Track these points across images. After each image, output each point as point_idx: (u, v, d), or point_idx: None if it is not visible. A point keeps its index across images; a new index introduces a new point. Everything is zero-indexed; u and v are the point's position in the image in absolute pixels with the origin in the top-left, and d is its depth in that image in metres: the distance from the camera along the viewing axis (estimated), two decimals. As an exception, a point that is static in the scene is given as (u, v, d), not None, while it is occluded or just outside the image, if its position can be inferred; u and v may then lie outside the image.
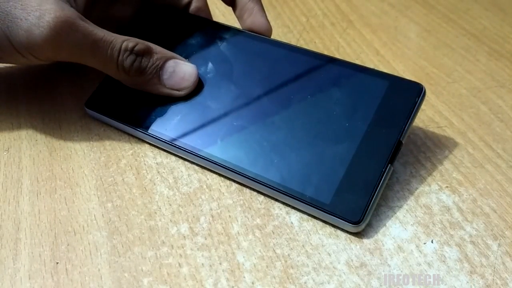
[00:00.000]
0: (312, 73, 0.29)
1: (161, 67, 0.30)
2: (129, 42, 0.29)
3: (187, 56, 0.31)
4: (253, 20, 0.32)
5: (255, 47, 0.31)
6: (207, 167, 0.28)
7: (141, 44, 0.29)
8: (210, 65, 0.31)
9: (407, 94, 0.27)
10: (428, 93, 0.33)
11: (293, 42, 0.38)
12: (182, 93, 0.30)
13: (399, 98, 0.27)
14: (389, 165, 0.25)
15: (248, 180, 0.27)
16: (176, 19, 0.34)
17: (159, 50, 0.30)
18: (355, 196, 0.25)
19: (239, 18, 0.33)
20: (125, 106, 0.31)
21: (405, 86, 0.27)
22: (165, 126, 0.29)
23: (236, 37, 0.32)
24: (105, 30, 0.29)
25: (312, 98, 0.28)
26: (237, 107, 0.29)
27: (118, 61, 0.29)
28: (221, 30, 0.33)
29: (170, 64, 0.30)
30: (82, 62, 0.30)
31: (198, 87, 0.30)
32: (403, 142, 0.26)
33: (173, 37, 0.33)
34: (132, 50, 0.29)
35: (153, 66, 0.30)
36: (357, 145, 0.26)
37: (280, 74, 0.30)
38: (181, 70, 0.30)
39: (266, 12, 0.33)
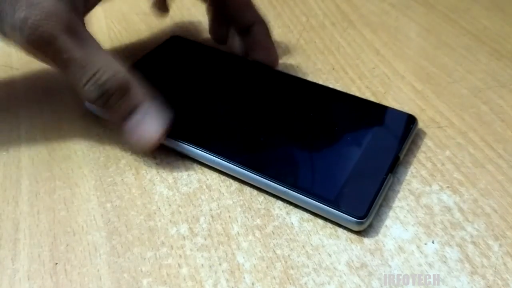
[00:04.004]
0: (322, 105, 0.31)
1: (129, 113, 0.28)
2: (104, 74, 0.26)
3: (204, 87, 0.32)
4: (262, 55, 0.34)
5: (267, 77, 0.33)
6: (206, 163, 0.28)
7: (117, 80, 0.27)
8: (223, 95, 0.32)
9: (403, 123, 0.29)
10: (428, 93, 0.33)
11: (293, 42, 0.38)
12: (138, 148, 0.28)
13: (397, 126, 0.29)
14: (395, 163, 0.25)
15: (252, 174, 0.27)
16: (196, 51, 0.36)
17: (135, 93, 0.27)
18: (360, 193, 0.25)
19: (249, 49, 0.34)
20: None
21: (401, 116, 0.30)
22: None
23: (256, 70, 0.34)
24: (91, 46, 0.27)
25: (324, 125, 0.30)
26: (247, 118, 0.30)
27: (84, 89, 0.27)
28: (240, 63, 0.34)
29: (139, 114, 0.28)
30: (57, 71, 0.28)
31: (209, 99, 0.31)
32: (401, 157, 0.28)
33: (191, 69, 0.34)
34: (102, 85, 0.26)
35: (121, 109, 0.27)
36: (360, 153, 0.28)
37: (292, 101, 0.31)
38: (144, 128, 0.28)
39: (266, 12, 0.33)
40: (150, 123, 0.28)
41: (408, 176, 0.28)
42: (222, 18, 0.35)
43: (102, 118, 0.31)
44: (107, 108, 0.28)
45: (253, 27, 0.33)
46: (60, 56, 0.26)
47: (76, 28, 0.26)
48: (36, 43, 0.25)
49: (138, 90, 0.28)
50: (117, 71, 0.27)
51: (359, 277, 0.23)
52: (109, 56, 0.27)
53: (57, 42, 0.25)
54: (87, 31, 0.27)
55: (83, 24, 0.28)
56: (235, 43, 0.35)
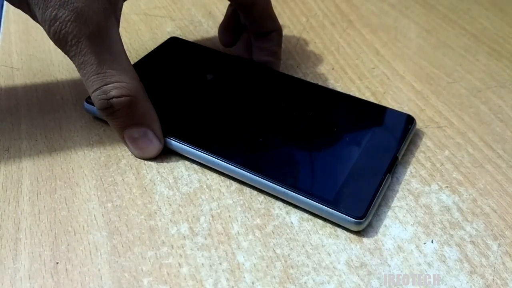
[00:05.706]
0: (320, 106, 0.31)
1: (130, 126, 0.29)
2: (114, 89, 0.26)
3: (202, 88, 0.33)
4: (268, 58, 0.34)
5: (267, 78, 0.33)
6: (206, 163, 0.28)
7: (125, 99, 0.27)
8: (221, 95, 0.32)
9: (401, 124, 0.29)
10: (428, 93, 0.33)
11: (293, 42, 0.39)
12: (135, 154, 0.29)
13: (396, 126, 0.29)
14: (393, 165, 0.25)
15: (251, 175, 0.27)
16: (195, 52, 0.36)
17: (140, 111, 0.28)
18: (358, 193, 0.25)
19: (258, 50, 0.34)
20: None
21: (400, 117, 0.30)
22: (165, 125, 0.29)
23: (255, 71, 0.34)
24: (113, 53, 0.27)
25: (326, 125, 0.30)
26: (246, 119, 0.30)
27: (92, 95, 0.27)
28: (239, 63, 0.35)
29: (140, 129, 0.29)
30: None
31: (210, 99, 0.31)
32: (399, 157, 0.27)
33: (190, 70, 0.34)
34: (110, 98, 0.27)
35: (123, 122, 0.28)
36: (359, 152, 0.28)
37: (291, 101, 0.31)
38: (144, 145, 0.29)
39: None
40: (150, 141, 0.29)
41: (407, 176, 0.28)
42: (237, 22, 0.36)
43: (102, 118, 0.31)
44: (109, 118, 0.28)
45: (270, 34, 0.34)
46: (78, 57, 0.26)
47: (104, 31, 0.26)
48: (59, 42, 0.26)
49: (144, 107, 0.28)
50: (128, 88, 0.27)
51: (358, 276, 0.23)
52: (127, 67, 0.27)
53: (78, 45, 0.26)
54: (115, 35, 0.27)
55: (115, 23, 0.27)
56: (241, 47, 0.36)
